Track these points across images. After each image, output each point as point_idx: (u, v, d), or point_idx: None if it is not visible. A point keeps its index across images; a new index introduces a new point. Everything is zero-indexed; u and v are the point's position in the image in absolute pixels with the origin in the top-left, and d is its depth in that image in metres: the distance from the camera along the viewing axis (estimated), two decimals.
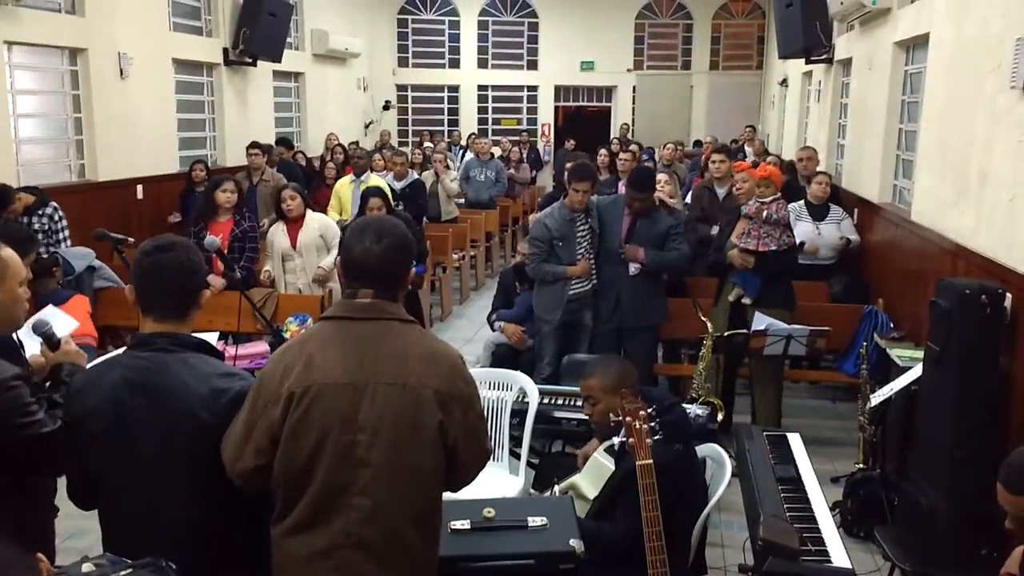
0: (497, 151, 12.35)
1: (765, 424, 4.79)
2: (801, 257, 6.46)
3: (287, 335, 4.58)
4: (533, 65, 16.26)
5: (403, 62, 16.18)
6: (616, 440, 3.03)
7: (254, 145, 8.36)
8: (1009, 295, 3.73)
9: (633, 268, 5.01)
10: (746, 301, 5.06)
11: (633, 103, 16.14)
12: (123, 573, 1.80)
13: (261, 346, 5.17)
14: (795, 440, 3.61)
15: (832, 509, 3.45)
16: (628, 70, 16.02)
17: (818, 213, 6.50)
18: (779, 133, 13.13)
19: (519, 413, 4.06)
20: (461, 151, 12.98)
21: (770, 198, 5.04)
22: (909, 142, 6.36)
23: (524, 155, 12.94)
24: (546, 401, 4.15)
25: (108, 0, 7.57)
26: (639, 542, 2.60)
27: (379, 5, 15.45)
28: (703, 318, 4.99)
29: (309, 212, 5.89)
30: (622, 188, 6.40)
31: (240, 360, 4.54)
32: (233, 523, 2.12)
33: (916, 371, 4.14)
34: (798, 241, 5.94)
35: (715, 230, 5.69)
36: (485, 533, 2.56)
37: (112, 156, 7.72)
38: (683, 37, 16.06)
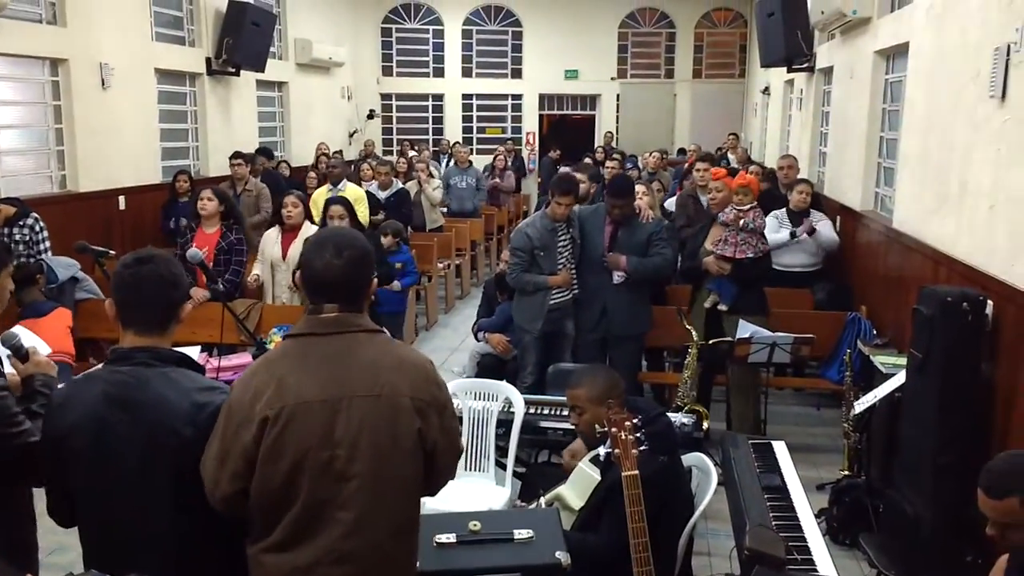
0: (486, 160, 12.38)
1: (740, 431, 4.80)
2: (784, 264, 6.53)
3: (270, 346, 4.55)
4: (517, 74, 16.31)
5: (387, 71, 16.18)
6: (602, 450, 3.03)
7: (237, 155, 8.33)
8: (990, 302, 3.77)
9: (617, 277, 5.01)
10: (722, 307, 5.10)
11: (617, 111, 16.21)
12: None
13: (245, 358, 5.13)
14: (780, 448, 3.62)
15: (818, 517, 3.46)
16: (612, 78, 16.09)
17: (798, 220, 6.53)
18: (762, 141, 13.22)
19: (505, 423, 4.05)
20: (447, 159, 12.98)
21: (748, 206, 5.08)
22: (890, 150, 6.41)
23: (509, 163, 12.97)
24: (532, 411, 4.14)
25: (90, 10, 7.53)
26: (625, 553, 2.59)
27: (363, 14, 15.45)
28: (688, 326, 5.00)
29: (307, 224, 5.74)
30: None
31: (223, 372, 4.51)
32: (215, 538, 2.10)
33: (899, 378, 4.16)
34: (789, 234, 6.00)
35: None
36: (471, 546, 2.54)
37: (94, 167, 7.66)
38: (666, 46, 16.15)
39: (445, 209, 10.04)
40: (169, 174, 8.66)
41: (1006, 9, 3.97)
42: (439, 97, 16.34)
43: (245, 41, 9.79)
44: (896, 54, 6.32)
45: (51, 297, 5.44)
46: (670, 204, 7.46)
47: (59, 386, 2.32)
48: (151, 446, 2.01)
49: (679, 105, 16.11)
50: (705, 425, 4.64)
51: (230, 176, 8.33)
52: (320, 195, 7.31)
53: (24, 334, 3.46)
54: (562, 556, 2.48)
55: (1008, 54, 3.86)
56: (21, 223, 5.67)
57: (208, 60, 9.73)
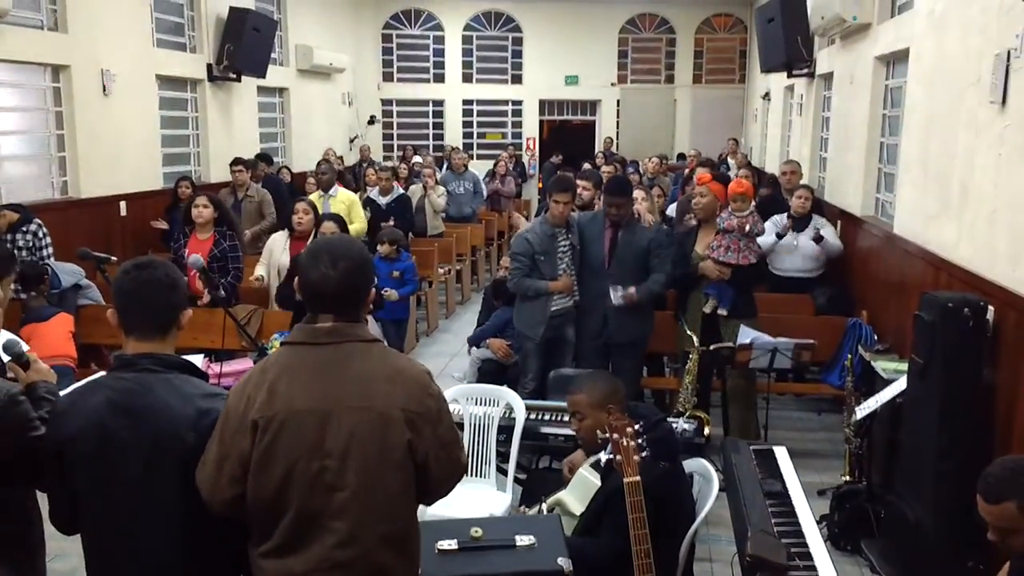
0: (487, 165, 12.39)
1: (738, 437, 4.79)
2: (784, 269, 6.54)
3: (271, 352, 4.56)
4: (517, 79, 16.34)
5: (388, 77, 16.20)
6: (603, 456, 3.03)
7: (237, 161, 8.34)
8: (991, 308, 3.77)
9: (617, 300, 4.96)
10: (722, 312, 5.09)
11: (617, 116, 16.23)
12: None
13: (246, 363, 5.14)
14: (782, 454, 3.61)
15: (819, 522, 3.45)
16: (612, 84, 16.12)
17: (798, 225, 6.54)
18: (762, 146, 13.23)
19: (506, 429, 4.05)
20: (446, 164, 13.01)
21: (747, 212, 5.08)
22: (891, 155, 6.42)
23: (510, 168, 12.98)
24: (533, 417, 4.14)
25: (91, 17, 7.55)
26: (626, 558, 2.59)
27: (364, 20, 15.49)
28: (689, 332, 5.00)
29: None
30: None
31: (225, 378, 4.52)
32: (218, 544, 2.10)
33: (901, 384, 4.16)
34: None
35: None
36: (473, 553, 2.54)
37: (95, 173, 7.67)
38: (666, 51, 16.18)
39: (445, 214, 10.05)
40: (170, 180, 8.67)
41: (1006, 15, 3.98)
42: (439, 103, 16.37)
43: (246, 47, 9.82)
44: (896, 59, 6.33)
45: (53, 303, 5.45)
46: (672, 210, 7.46)
47: (68, 389, 2.34)
48: (154, 452, 2.02)
49: (679, 110, 16.13)
50: (706, 431, 4.63)
51: (231, 182, 8.34)
52: (312, 202, 7.30)
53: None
54: (564, 563, 2.48)
55: (1008, 60, 3.87)
56: (24, 229, 5.68)
57: (209, 66, 9.75)
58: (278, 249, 5.76)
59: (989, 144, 4.10)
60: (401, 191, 8.75)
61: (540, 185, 14.38)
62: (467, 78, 16.27)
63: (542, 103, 16.41)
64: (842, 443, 4.80)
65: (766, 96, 12.75)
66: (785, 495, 3.26)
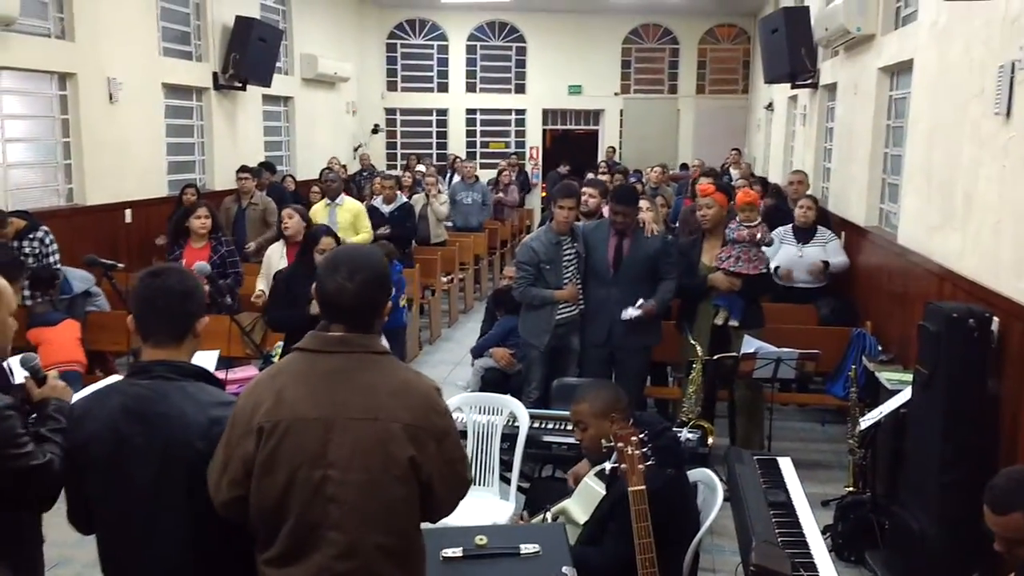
0: (490, 174, 12.40)
1: (742, 448, 4.78)
2: (788, 281, 6.53)
3: (276, 359, 4.56)
4: (521, 89, 16.38)
5: (392, 86, 16.25)
6: (607, 465, 3.03)
7: (243, 169, 8.37)
8: (996, 319, 3.77)
9: (634, 314, 4.91)
10: (733, 323, 5.06)
11: (620, 126, 16.26)
12: None
13: (251, 371, 5.15)
14: (786, 464, 3.60)
15: (823, 533, 3.45)
16: (615, 94, 16.15)
17: (803, 236, 6.53)
18: (765, 156, 13.26)
19: (509, 437, 4.05)
20: (450, 174, 13.02)
21: (756, 222, 5.08)
22: (894, 166, 6.42)
23: (513, 178, 13.00)
24: (536, 425, 4.14)
25: (98, 25, 7.59)
26: (629, 567, 2.59)
27: (368, 30, 15.55)
28: (692, 341, 5.00)
29: None
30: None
31: (230, 385, 4.51)
32: (228, 549, 2.11)
33: (905, 394, 4.16)
34: (774, 265, 6.04)
35: None
36: (477, 561, 2.54)
37: (101, 180, 7.71)
38: (669, 61, 16.22)
39: (450, 224, 10.06)
40: (175, 188, 8.71)
41: (1010, 27, 3.99)
42: (443, 112, 16.41)
43: (251, 56, 9.87)
44: (900, 71, 6.35)
45: (61, 309, 5.48)
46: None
47: (78, 394, 2.34)
48: (166, 459, 2.04)
49: (682, 120, 16.16)
50: (710, 441, 4.62)
51: (236, 190, 8.36)
52: (318, 210, 7.31)
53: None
54: (569, 571, 2.48)
55: (1013, 71, 3.88)
56: (31, 236, 5.70)
57: (215, 75, 9.80)
58: (275, 258, 5.77)
59: (993, 155, 4.10)
60: (404, 199, 8.77)
61: (544, 194, 14.39)
62: (471, 87, 16.32)
63: (545, 112, 16.46)
64: (845, 454, 4.79)
65: (769, 106, 12.77)
66: (789, 505, 3.25)
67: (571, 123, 16.79)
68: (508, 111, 16.49)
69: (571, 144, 16.89)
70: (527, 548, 2.57)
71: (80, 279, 5.80)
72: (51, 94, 7.36)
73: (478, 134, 16.57)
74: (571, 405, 3.25)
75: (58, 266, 5.71)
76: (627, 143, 16.16)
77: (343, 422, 1.96)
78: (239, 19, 9.90)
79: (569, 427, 3.86)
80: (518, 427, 4.01)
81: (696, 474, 3.33)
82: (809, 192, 7.57)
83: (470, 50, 16.20)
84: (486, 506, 3.88)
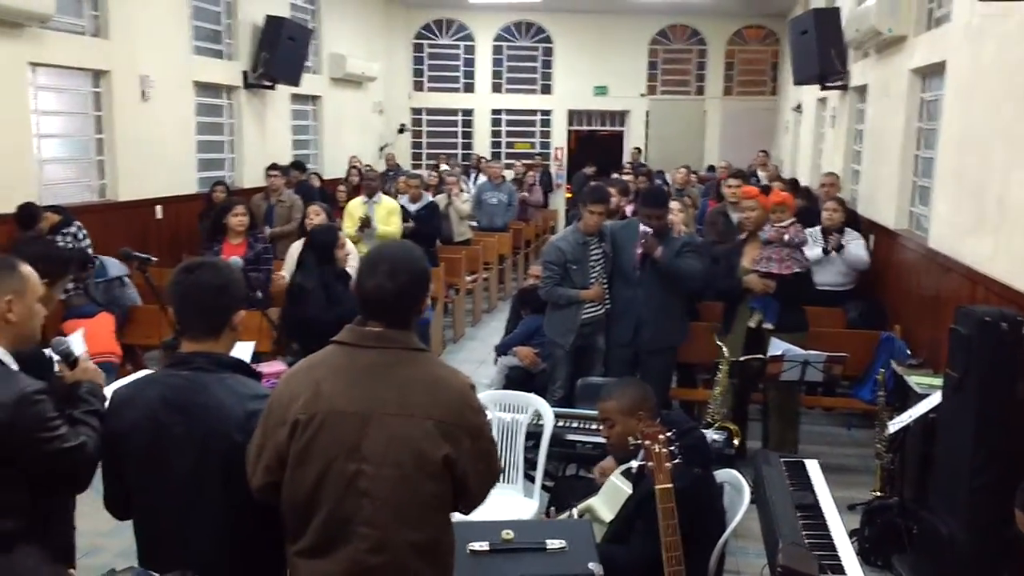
0: (510, 174, 12.41)
1: (774, 450, 4.75)
2: (816, 283, 6.45)
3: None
4: (547, 89, 16.38)
5: (418, 86, 16.32)
6: (634, 463, 3.03)
7: (273, 167, 8.44)
8: None
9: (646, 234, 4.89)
10: (768, 326, 5.01)
11: (646, 127, 16.21)
12: None
13: (279, 365, 5.19)
14: (813, 467, 3.58)
15: (849, 537, 3.42)
16: (641, 95, 16.10)
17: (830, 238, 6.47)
18: (793, 159, 13.15)
19: (533, 435, 4.05)
20: (475, 174, 13.04)
21: (787, 222, 5.05)
22: (926, 169, 6.36)
23: (537, 179, 13.00)
24: (561, 424, 4.14)
25: (132, 24, 7.70)
26: (655, 566, 2.58)
27: (395, 30, 15.63)
28: (718, 342, 4.98)
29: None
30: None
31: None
32: (263, 539, 2.14)
33: (935, 398, 4.11)
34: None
35: None
36: (504, 555, 2.55)
37: (132, 177, 7.81)
38: (697, 63, 16.15)
39: (475, 223, 10.08)
40: (205, 185, 8.80)
41: None
42: (469, 112, 16.45)
43: (281, 55, 9.95)
44: (932, 72, 6.28)
45: (97, 293, 5.56)
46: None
47: (112, 385, 2.38)
48: (204, 450, 2.07)
49: (709, 122, 16.07)
50: (735, 442, 4.60)
51: (264, 187, 8.44)
52: (355, 206, 7.38)
53: (74, 340, 3.54)
54: (595, 567, 2.48)
55: None
56: (64, 231, 5.80)
57: (245, 74, 9.90)
58: (296, 254, 5.81)
59: None
60: (430, 198, 8.81)
61: (569, 195, 14.36)
62: (497, 88, 16.34)
63: (571, 113, 16.44)
64: (872, 458, 4.75)
65: (798, 108, 12.67)
66: (816, 508, 3.23)
67: (597, 124, 16.77)
68: (534, 112, 16.49)
69: (596, 145, 16.86)
70: (553, 543, 2.57)
71: (115, 266, 5.89)
72: (85, 91, 7.47)
73: (503, 134, 16.59)
74: (598, 402, 3.25)
75: (91, 252, 5.80)
76: (652, 144, 16.10)
77: (379, 417, 1.98)
78: (269, 18, 9.99)
79: (594, 426, 3.87)
80: (542, 425, 4.02)
81: (723, 474, 3.31)
82: (839, 194, 7.52)
83: (496, 50, 16.22)
84: (510, 503, 3.89)
